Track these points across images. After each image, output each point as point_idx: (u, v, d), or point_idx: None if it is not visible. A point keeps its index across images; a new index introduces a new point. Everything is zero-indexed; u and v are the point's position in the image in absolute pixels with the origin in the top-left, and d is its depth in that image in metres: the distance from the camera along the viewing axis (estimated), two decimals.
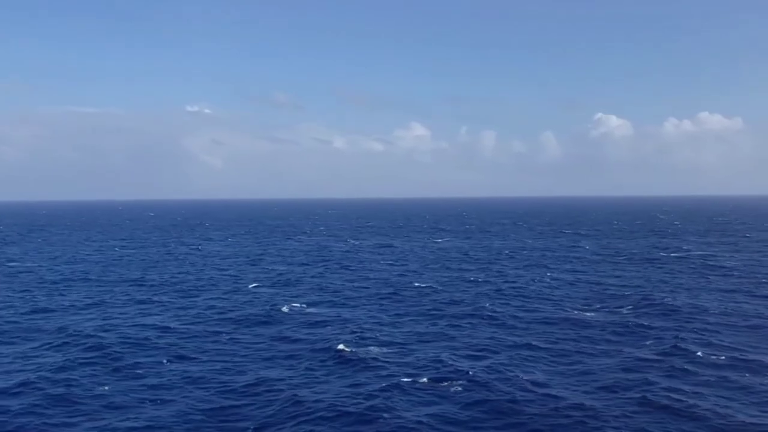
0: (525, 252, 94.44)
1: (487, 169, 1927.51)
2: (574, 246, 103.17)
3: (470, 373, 31.83)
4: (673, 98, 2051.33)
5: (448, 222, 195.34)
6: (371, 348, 37.33)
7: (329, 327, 43.67)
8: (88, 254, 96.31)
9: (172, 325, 44.43)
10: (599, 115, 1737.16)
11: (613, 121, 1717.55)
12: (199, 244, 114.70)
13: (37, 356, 36.59)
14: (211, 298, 55.65)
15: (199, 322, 45.42)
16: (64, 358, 35.38)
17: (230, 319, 46.63)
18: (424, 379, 31.28)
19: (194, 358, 36.02)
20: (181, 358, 36.15)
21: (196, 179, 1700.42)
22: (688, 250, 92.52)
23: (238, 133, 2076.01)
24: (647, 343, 38.08)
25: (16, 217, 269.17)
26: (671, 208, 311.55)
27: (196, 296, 57.23)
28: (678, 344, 36.87)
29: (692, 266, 74.41)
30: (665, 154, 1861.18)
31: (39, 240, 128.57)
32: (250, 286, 62.84)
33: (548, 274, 68.99)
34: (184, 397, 29.55)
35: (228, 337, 41.22)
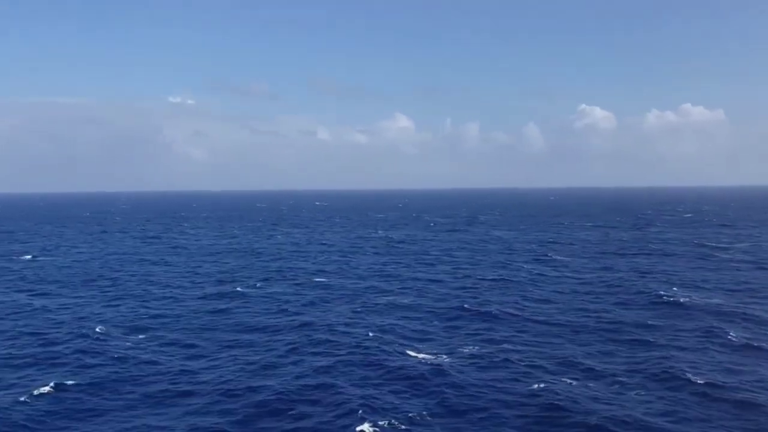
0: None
1: (472, 160, 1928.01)
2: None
3: None
4: (656, 90, 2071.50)
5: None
6: None
7: None
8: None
9: None
10: (582, 106, 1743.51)
11: (597, 112, 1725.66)
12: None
13: None
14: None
15: None
16: None
17: None
18: None
19: None
20: None
21: (179, 171, 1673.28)
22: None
23: (222, 124, 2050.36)
24: None
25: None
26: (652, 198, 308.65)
27: None
28: None
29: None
30: (648, 145, 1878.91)
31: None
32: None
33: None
34: None
35: None
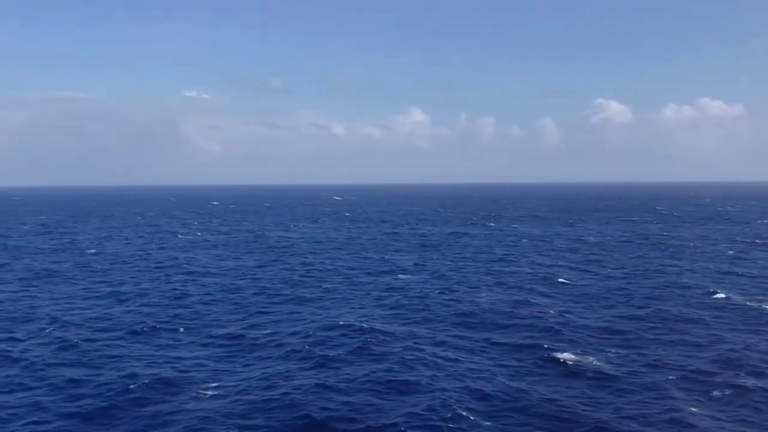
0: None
1: (487, 155, 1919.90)
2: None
3: None
4: (674, 84, 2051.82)
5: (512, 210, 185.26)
6: None
7: None
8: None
9: None
10: (599, 100, 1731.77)
11: (614, 106, 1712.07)
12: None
13: None
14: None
15: None
16: None
17: None
18: None
19: None
20: None
21: (195, 165, 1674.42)
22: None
23: (236, 118, 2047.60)
24: None
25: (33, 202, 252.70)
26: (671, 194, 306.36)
27: None
28: None
29: None
30: (665, 140, 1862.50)
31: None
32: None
33: None
34: None
35: None
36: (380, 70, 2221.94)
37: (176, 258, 69.00)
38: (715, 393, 26.19)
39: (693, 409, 24.47)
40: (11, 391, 27.41)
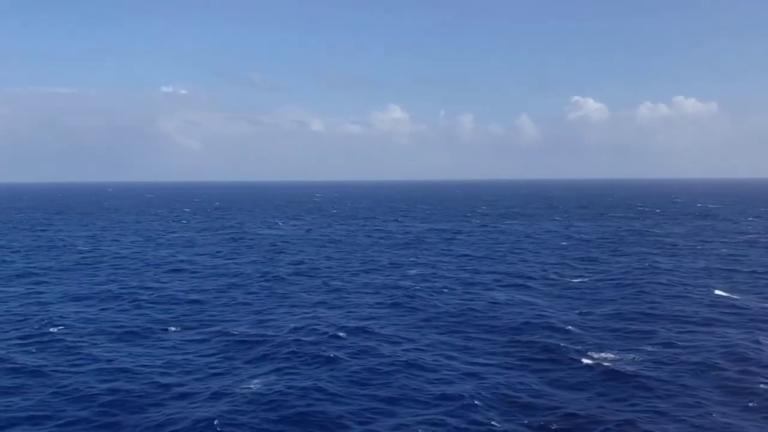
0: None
1: (466, 152, 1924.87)
2: None
3: None
4: (649, 82, 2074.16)
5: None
6: None
7: None
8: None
9: None
10: (576, 98, 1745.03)
11: (591, 104, 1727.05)
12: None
13: None
14: None
15: None
16: None
17: None
18: None
19: None
20: None
21: (173, 161, 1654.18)
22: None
23: (215, 114, 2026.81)
24: None
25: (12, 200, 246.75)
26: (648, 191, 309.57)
27: None
28: None
29: None
30: (641, 137, 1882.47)
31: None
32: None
33: None
34: None
35: None
36: (359, 64, 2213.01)
37: (161, 256, 67.10)
38: (748, 399, 25.45)
39: (721, 410, 23.80)
40: (5, 396, 25.71)
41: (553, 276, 52.81)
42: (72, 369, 28.97)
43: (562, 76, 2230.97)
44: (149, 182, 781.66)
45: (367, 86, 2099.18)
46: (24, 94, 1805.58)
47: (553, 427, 22.53)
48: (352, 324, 36.24)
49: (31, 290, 47.92)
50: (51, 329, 35.43)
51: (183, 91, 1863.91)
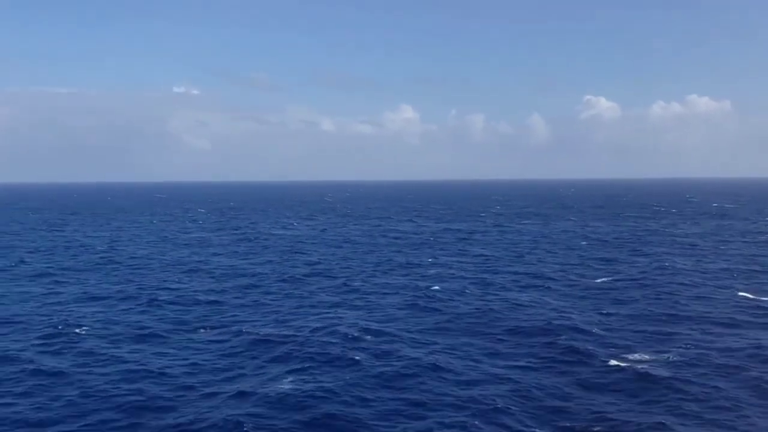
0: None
1: (476, 152, 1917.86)
2: None
3: None
4: (662, 81, 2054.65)
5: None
6: None
7: None
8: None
9: None
10: (588, 97, 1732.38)
11: (602, 103, 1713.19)
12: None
13: None
14: None
15: None
16: None
17: None
18: None
19: None
20: None
21: (177, 161, 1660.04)
22: None
23: (219, 114, 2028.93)
24: None
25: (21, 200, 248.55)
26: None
27: None
28: None
29: None
30: (654, 136, 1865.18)
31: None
32: None
33: None
34: None
35: None
36: (370, 65, 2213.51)
37: (178, 256, 67.17)
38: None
39: (757, 411, 23.32)
40: (26, 397, 25.67)
41: (573, 276, 52.32)
42: (97, 370, 28.95)
43: (574, 76, 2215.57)
44: (151, 182, 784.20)
45: (367, 86, 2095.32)
46: (24, 94, 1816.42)
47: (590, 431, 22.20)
48: (374, 326, 36.01)
49: (50, 290, 48.04)
50: (75, 330, 35.44)
51: (195, 92, 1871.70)
